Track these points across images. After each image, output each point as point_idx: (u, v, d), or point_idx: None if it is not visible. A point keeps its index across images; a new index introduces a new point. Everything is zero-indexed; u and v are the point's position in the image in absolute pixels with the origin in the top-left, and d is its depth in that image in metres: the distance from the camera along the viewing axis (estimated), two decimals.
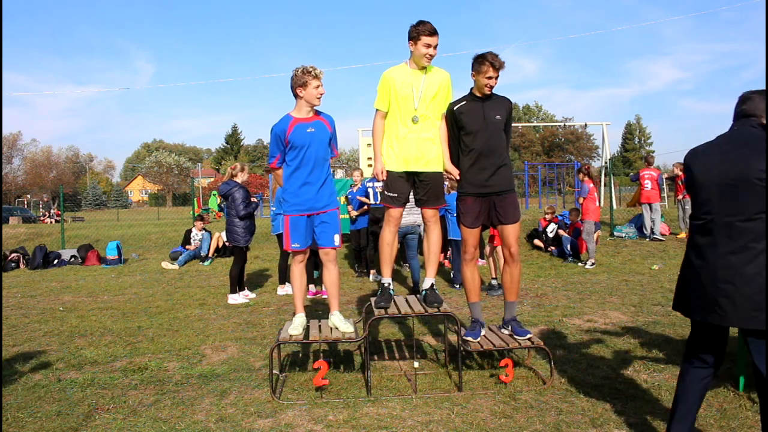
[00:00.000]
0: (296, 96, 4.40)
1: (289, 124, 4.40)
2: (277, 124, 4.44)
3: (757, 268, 2.73)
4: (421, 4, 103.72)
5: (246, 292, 8.28)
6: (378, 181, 4.62)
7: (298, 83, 4.34)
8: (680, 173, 13.03)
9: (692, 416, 2.97)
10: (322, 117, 4.50)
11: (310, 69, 4.32)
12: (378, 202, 8.97)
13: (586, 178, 10.56)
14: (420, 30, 4.25)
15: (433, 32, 4.26)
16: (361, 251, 9.99)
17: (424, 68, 4.38)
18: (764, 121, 2.92)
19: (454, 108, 4.44)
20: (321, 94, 4.37)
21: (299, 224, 4.45)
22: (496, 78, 4.31)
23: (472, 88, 4.46)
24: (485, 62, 4.26)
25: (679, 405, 2.98)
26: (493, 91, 4.39)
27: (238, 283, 8.04)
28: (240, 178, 8.10)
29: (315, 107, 4.45)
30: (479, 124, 4.35)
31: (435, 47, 4.29)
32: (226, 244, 12.05)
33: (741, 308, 2.75)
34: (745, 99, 2.99)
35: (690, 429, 2.95)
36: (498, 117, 4.37)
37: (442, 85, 4.42)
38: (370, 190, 9.45)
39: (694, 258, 2.94)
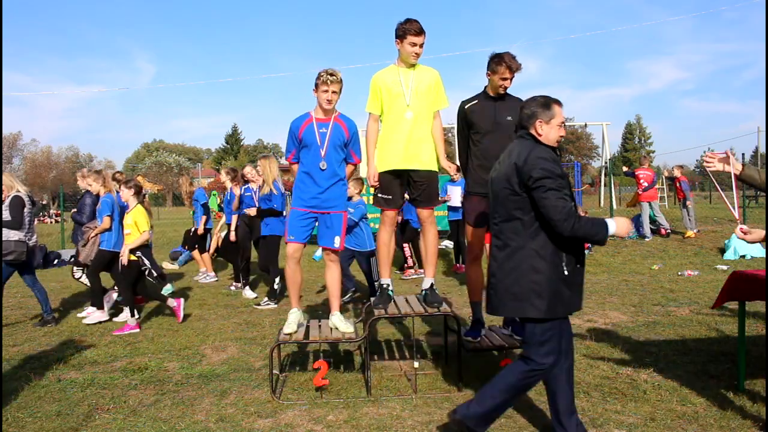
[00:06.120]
0: None
1: (304, 122, 4.45)
2: (294, 120, 4.51)
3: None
4: (422, 4, 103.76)
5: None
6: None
7: (314, 85, 4.39)
8: (679, 175, 13.03)
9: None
10: (341, 120, 4.50)
11: (323, 74, 4.32)
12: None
13: None
14: (406, 29, 4.25)
15: (419, 32, 4.24)
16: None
17: (413, 66, 4.38)
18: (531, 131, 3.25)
19: (465, 106, 4.41)
20: (328, 100, 4.36)
21: (298, 218, 4.48)
22: (511, 79, 4.27)
23: (485, 87, 4.42)
24: (502, 63, 4.20)
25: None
26: (507, 90, 4.35)
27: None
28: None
29: (336, 109, 4.47)
30: (489, 125, 4.33)
31: (421, 46, 4.28)
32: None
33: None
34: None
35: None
36: (509, 118, 4.32)
37: (432, 81, 4.40)
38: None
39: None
